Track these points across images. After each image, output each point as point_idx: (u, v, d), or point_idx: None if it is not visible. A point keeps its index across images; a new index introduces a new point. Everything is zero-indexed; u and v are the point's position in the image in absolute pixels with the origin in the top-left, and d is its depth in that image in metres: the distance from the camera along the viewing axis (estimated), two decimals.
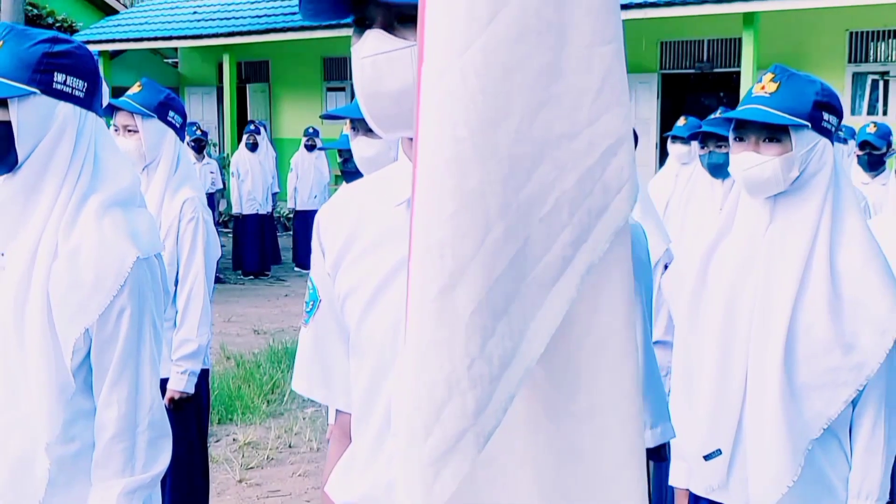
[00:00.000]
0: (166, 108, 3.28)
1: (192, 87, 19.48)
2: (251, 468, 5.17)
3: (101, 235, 1.86)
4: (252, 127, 11.76)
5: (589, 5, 0.93)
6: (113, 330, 1.87)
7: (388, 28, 1.25)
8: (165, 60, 20.90)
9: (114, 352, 1.87)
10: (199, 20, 17.85)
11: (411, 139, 1.29)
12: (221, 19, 17.52)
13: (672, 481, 2.40)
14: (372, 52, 1.25)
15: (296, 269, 11.93)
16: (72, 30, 20.87)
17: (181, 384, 3.32)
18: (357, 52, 1.28)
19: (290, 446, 5.55)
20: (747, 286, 2.16)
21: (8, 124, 1.84)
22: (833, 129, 2.14)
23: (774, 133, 2.09)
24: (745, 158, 2.10)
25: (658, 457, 1.41)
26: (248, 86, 18.79)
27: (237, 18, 17.32)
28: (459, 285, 0.90)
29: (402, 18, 1.25)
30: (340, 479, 1.47)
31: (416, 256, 0.94)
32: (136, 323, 1.88)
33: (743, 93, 12.17)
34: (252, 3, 17.82)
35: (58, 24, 20.96)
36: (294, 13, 16.56)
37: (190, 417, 3.45)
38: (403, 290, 1.27)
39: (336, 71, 18.29)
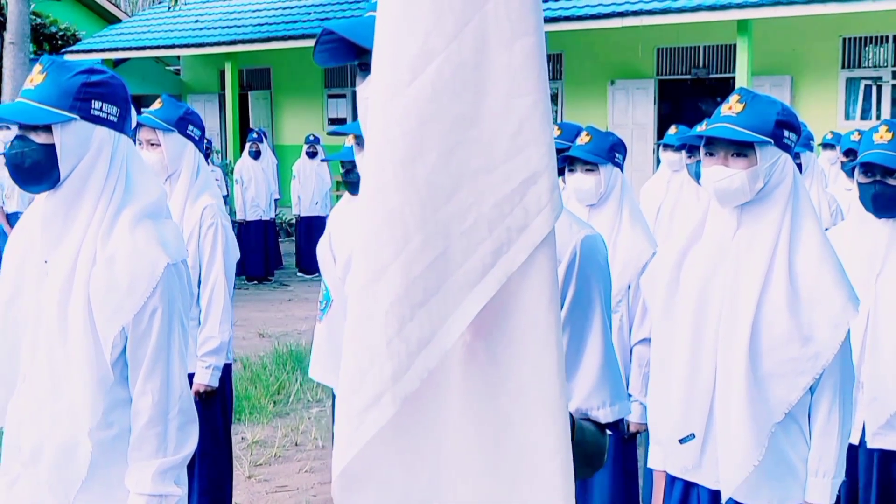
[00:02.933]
0: (186, 123, 3.52)
1: (195, 95, 19.72)
2: (259, 465, 5.39)
3: (134, 244, 2.09)
4: (255, 135, 12.01)
5: (507, 64, 1.16)
6: (146, 328, 2.09)
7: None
8: (168, 68, 21.13)
9: (147, 347, 2.10)
10: (201, 28, 18.09)
11: None
12: (223, 27, 17.76)
13: (650, 464, 2.64)
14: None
15: (298, 273, 12.17)
16: (75, 38, 21.11)
17: (206, 378, 3.56)
18: (362, 91, 1.51)
19: (296, 444, 5.77)
20: (716, 285, 2.40)
21: (52, 147, 2.07)
22: (792, 145, 2.38)
23: (741, 149, 2.33)
24: (716, 171, 2.33)
25: (616, 430, 1.63)
26: (249, 93, 19.04)
27: (239, 27, 17.56)
28: (381, 281, 1.15)
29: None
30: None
31: (354, 257, 1.19)
32: (167, 321, 2.11)
33: None
34: (254, 11, 18.08)
35: (61, 33, 21.21)
36: (295, 21, 16.83)
37: (216, 409, 3.70)
38: None
39: (337, 78, 18.54)
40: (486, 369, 1.20)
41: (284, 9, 17.64)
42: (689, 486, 2.50)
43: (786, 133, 2.35)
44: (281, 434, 5.86)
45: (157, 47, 18.35)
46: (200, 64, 19.48)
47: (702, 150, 2.42)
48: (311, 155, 11.94)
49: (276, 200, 12.19)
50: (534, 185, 1.14)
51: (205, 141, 3.63)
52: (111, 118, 2.15)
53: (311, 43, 12.37)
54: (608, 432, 1.62)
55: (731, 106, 2.36)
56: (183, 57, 19.91)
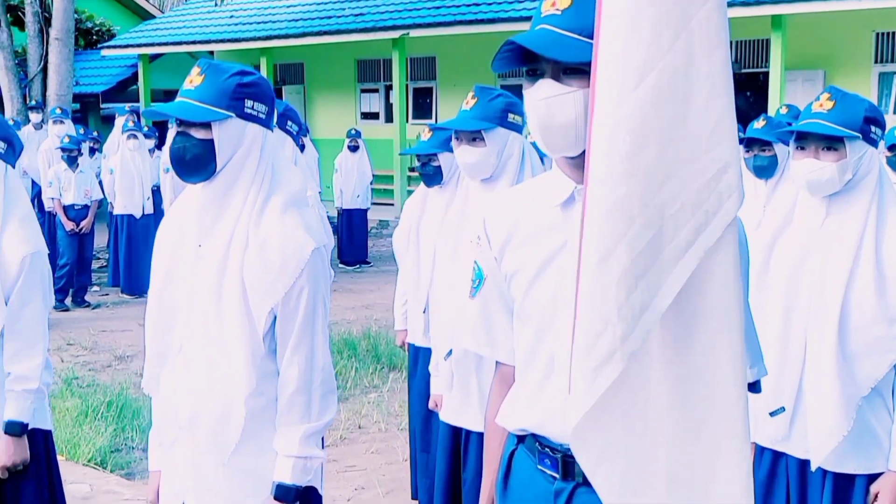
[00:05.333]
0: (285, 119, 3.74)
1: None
2: (327, 446, 5.59)
3: (284, 230, 2.30)
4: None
5: (708, 71, 1.38)
6: (294, 306, 2.30)
7: (557, 78, 1.70)
8: None
9: (294, 323, 2.31)
10: (236, 24, 18.34)
11: (568, 157, 1.75)
12: (258, 23, 18.01)
13: None
14: (545, 96, 1.70)
15: (340, 265, 12.40)
16: (110, 34, 21.44)
17: None
18: (532, 96, 1.72)
19: (359, 427, 6.00)
20: (806, 270, 2.60)
21: (211, 142, 2.28)
22: (878, 139, 2.57)
23: (831, 143, 2.53)
24: (807, 164, 2.54)
25: (754, 389, 1.84)
26: (283, 87, 19.29)
27: (273, 22, 17.80)
28: (612, 257, 1.39)
29: (567, 71, 1.69)
30: (509, 413, 1.92)
31: (586, 237, 1.40)
32: (312, 300, 2.32)
33: (771, 93, 12.54)
34: (288, 6, 18.31)
35: (97, 28, 21.54)
36: (329, 16, 17.06)
37: None
38: (560, 271, 1.74)
39: (369, 73, 18.77)
40: (679, 331, 1.41)
41: (319, 4, 17.86)
42: (777, 456, 2.71)
43: (872, 128, 2.55)
44: (344, 417, 6.08)
45: (192, 42, 18.61)
46: (235, 59, 19.70)
47: (792, 145, 2.62)
48: (353, 149, 12.16)
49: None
50: (725, 174, 1.36)
51: (301, 135, 3.85)
52: (261, 115, 2.35)
53: (344, 38, 12.60)
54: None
55: (822, 103, 2.57)
56: (217, 52, 20.18)
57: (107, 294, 10.50)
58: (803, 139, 2.58)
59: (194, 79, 2.33)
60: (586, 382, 1.39)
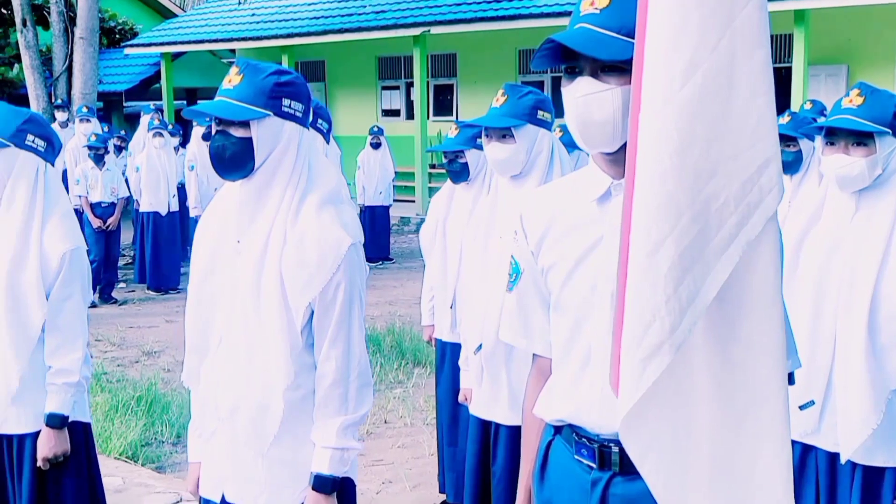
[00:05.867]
0: (315, 116, 3.78)
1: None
2: None
3: (321, 226, 2.34)
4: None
5: (749, 70, 1.42)
6: (331, 300, 2.35)
7: (595, 75, 1.74)
8: (223, 61, 21.54)
9: (332, 317, 2.36)
10: (257, 22, 18.44)
11: (605, 154, 1.79)
12: (279, 21, 18.10)
13: None
14: (583, 93, 1.74)
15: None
16: (132, 32, 21.60)
17: None
18: (571, 93, 1.76)
19: (385, 422, 6.05)
20: (836, 264, 2.62)
21: (249, 140, 2.33)
22: None
23: (861, 139, 2.55)
24: (837, 160, 2.56)
25: (788, 381, 1.87)
26: None
27: (295, 20, 17.88)
28: (660, 251, 1.43)
29: (605, 68, 1.73)
30: (546, 404, 1.96)
31: (634, 231, 1.44)
32: (348, 294, 2.37)
33: (794, 88, 12.50)
34: (309, 4, 18.38)
35: (119, 27, 21.70)
36: (350, 14, 17.13)
37: None
38: (597, 264, 1.78)
39: (390, 70, 18.83)
40: (721, 323, 1.45)
41: (340, 2, 17.92)
42: (807, 449, 2.73)
43: None
44: (370, 412, 6.12)
45: (214, 41, 18.72)
46: (256, 57, 19.72)
47: (822, 141, 2.64)
48: (376, 146, 12.21)
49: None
50: (767, 169, 1.40)
51: (331, 132, 3.89)
52: (298, 114, 2.40)
53: (365, 35, 12.64)
54: None
55: (852, 99, 2.59)
56: (239, 50, 20.28)
57: (133, 290, 10.61)
58: (833, 135, 2.61)
59: (233, 78, 2.37)
60: (636, 373, 1.43)
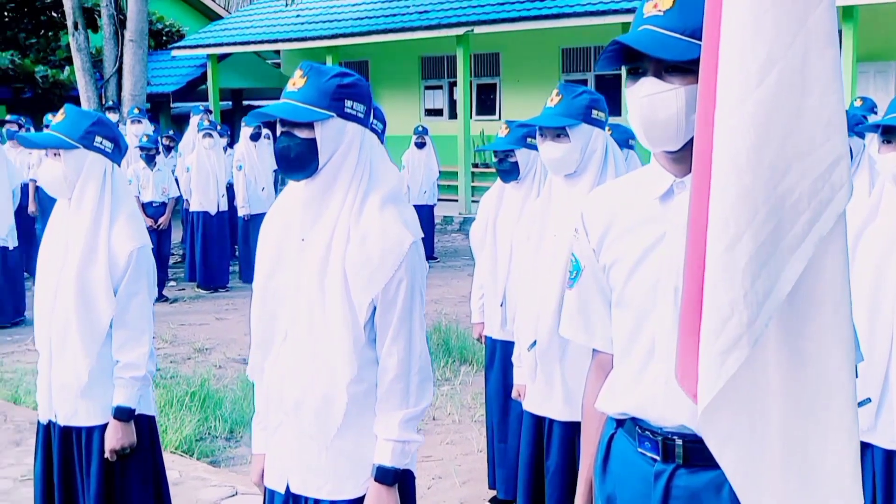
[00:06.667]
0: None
1: None
2: None
3: (383, 224, 2.40)
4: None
5: (822, 68, 1.45)
6: (393, 296, 2.40)
7: (659, 76, 1.78)
8: (267, 62, 21.77)
9: (394, 313, 2.41)
10: (302, 23, 18.61)
11: (668, 152, 1.83)
12: (324, 22, 18.26)
13: None
14: (648, 93, 1.79)
15: None
16: (179, 34, 21.90)
17: None
18: (635, 93, 1.81)
19: (433, 419, 6.11)
20: (893, 262, 2.63)
21: (313, 141, 2.39)
22: None
23: None
24: (894, 158, 2.57)
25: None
26: None
27: (339, 21, 18.02)
28: (738, 245, 1.46)
29: (668, 69, 1.78)
30: (608, 398, 2.01)
31: (711, 226, 1.48)
32: (410, 291, 2.42)
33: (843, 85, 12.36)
34: (354, 5, 18.52)
35: (167, 30, 22.01)
36: (394, 14, 17.23)
37: None
38: (660, 260, 1.82)
39: (433, 70, 18.91)
40: (793, 317, 1.49)
41: (384, 2, 18.03)
42: (863, 446, 2.74)
43: None
44: None
45: (260, 42, 18.92)
46: (301, 57, 19.98)
47: (878, 139, 2.66)
48: (420, 145, 12.28)
49: None
50: (838, 166, 1.43)
51: (385, 133, 3.94)
52: (360, 115, 2.46)
53: (409, 36, 12.74)
54: None
55: None
56: (283, 51, 20.49)
57: (183, 289, 10.79)
58: (889, 133, 2.62)
59: (297, 81, 2.44)
60: (715, 366, 1.47)
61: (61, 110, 3.22)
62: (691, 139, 1.74)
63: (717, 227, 1.47)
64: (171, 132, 13.00)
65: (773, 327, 1.52)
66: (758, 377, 1.52)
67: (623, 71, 1.91)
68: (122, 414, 3.12)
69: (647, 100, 1.79)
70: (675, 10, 1.77)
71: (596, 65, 1.85)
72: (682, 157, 1.83)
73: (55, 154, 3.12)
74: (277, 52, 20.86)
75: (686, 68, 1.75)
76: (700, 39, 1.60)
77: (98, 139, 3.14)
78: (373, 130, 3.89)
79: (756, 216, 1.45)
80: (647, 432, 1.92)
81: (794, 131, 1.45)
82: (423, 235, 2.54)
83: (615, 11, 14.14)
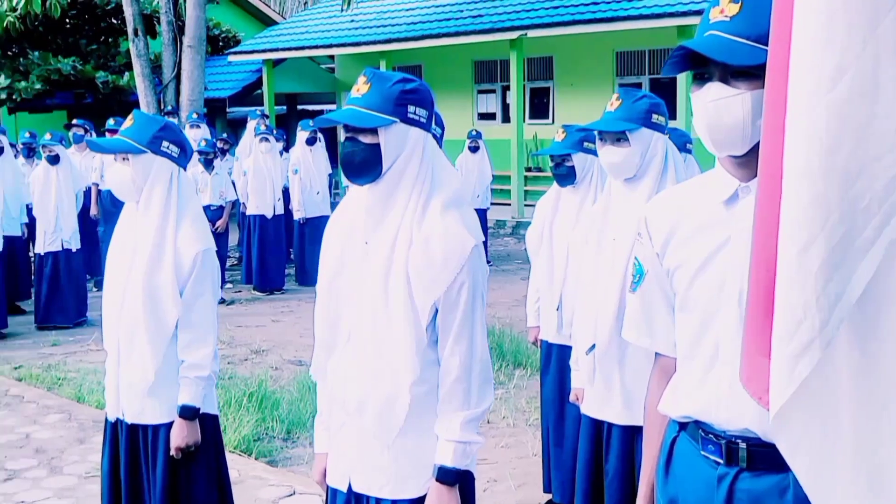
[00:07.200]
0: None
1: (348, 93, 20.35)
2: None
3: (446, 228, 2.43)
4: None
5: (892, 75, 1.45)
6: (455, 299, 2.43)
7: (725, 81, 1.80)
8: (321, 67, 21.98)
9: (455, 315, 2.44)
10: (356, 28, 18.75)
11: (734, 157, 1.84)
12: (378, 27, 18.39)
13: None
14: (714, 98, 1.80)
15: None
16: (235, 40, 22.23)
17: None
18: (701, 97, 1.82)
19: (488, 422, 6.13)
20: None
21: (377, 146, 2.43)
22: None
23: None
24: None
25: None
26: None
27: (393, 25, 18.13)
28: (811, 248, 1.47)
29: (735, 74, 1.79)
30: (671, 401, 2.02)
31: (783, 229, 1.49)
32: (472, 294, 2.45)
33: None
34: (407, 10, 18.62)
35: (223, 35, 22.35)
36: (448, 19, 17.29)
37: None
38: (725, 264, 1.82)
39: (486, 74, 18.93)
40: (862, 319, 1.50)
41: (437, 7, 18.11)
42: None
43: None
44: None
45: (314, 47, 19.11)
46: (354, 62, 20.15)
47: None
48: (474, 149, 12.32)
49: None
50: None
51: (443, 137, 3.98)
52: (422, 120, 2.50)
53: (462, 40, 12.74)
54: None
55: None
56: (337, 56, 20.66)
57: (240, 291, 10.94)
58: None
59: (361, 87, 2.48)
60: (787, 370, 1.48)
61: (130, 116, 3.31)
62: (756, 144, 1.75)
63: (790, 231, 1.48)
64: (224, 135, 13.20)
65: (845, 330, 1.52)
66: (829, 379, 1.53)
67: (679, 75, 1.92)
68: (187, 412, 3.19)
69: (713, 105, 1.80)
70: (741, 16, 1.78)
71: (662, 69, 1.86)
72: (748, 161, 1.83)
73: (124, 158, 3.21)
74: (331, 56, 21.03)
75: (752, 73, 1.76)
76: (766, 45, 1.61)
77: (165, 144, 3.22)
78: (435, 137, 3.95)
79: (828, 220, 1.46)
80: (710, 435, 1.92)
81: (865, 137, 1.45)
82: (483, 239, 2.56)
83: (670, 14, 14.05)
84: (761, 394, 1.55)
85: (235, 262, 12.22)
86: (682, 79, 13.64)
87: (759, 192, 1.57)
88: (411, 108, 2.47)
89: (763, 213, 1.55)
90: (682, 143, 5.09)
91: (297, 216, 10.88)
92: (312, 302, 2.70)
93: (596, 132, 3.41)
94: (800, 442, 1.55)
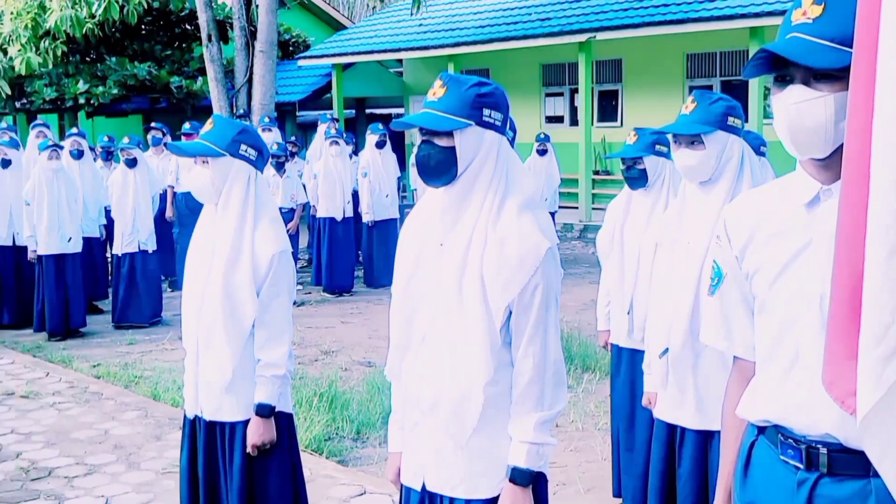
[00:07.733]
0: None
1: (416, 96, 20.55)
2: None
3: (521, 230, 2.44)
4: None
5: None
6: (529, 301, 2.44)
7: (807, 83, 1.78)
8: (390, 70, 22.15)
9: (529, 317, 2.45)
10: (424, 32, 18.85)
11: (816, 160, 1.82)
12: (446, 30, 18.45)
13: None
14: (796, 100, 1.79)
15: None
16: (305, 45, 22.52)
17: None
18: (782, 100, 1.81)
19: (557, 426, 6.11)
20: None
21: (453, 149, 2.46)
22: None
23: None
24: None
25: None
26: None
27: (461, 29, 18.18)
28: None
29: (817, 76, 1.77)
30: (750, 404, 2.00)
31: (871, 233, 1.47)
32: (545, 296, 2.46)
33: None
34: (475, 14, 18.66)
35: (293, 40, 22.66)
36: (515, 22, 17.28)
37: None
38: (806, 267, 1.80)
39: (554, 76, 18.88)
40: None
41: (505, 10, 18.12)
42: None
43: None
44: None
45: (383, 51, 19.24)
46: (422, 66, 20.27)
47: None
48: (542, 153, 12.31)
49: None
50: None
51: (515, 140, 3.99)
52: (497, 123, 2.51)
53: (530, 43, 12.71)
54: None
55: None
56: (406, 60, 20.78)
57: (309, 293, 11.07)
58: None
59: (437, 91, 2.51)
60: (875, 373, 1.47)
61: (210, 120, 3.39)
62: (839, 146, 1.73)
63: (878, 234, 1.47)
64: (293, 138, 13.39)
65: None
66: None
67: (751, 77, 1.90)
68: (264, 410, 3.26)
69: (794, 107, 1.79)
70: (824, 18, 1.76)
71: (741, 71, 1.85)
72: (830, 164, 1.81)
73: (203, 161, 3.29)
74: (400, 60, 21.17)
75: (835, 76, 1.74)
76: (849, 47, 1.59)
77: (243, 147, 3.29)
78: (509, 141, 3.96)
79: None
80: (789, 440, 1.91)
81: None
82: (558, 241, 2.57)
83: (742, 16, 13.85)
84: (845, 398, 1.54)
85: (305, 265, 12.37)
86: (755, 81, 13.44)
87: (843, 196, 1.56)
88: (486, 112, 2.48)
89: (848, 217, 1.53)
90: (756, 146, 5.02)
91: (366, 219, 10.99)
92: (381, 304, 2.74)
93: (671, 135, 3.39)
94: (888, 446, 1.53)
